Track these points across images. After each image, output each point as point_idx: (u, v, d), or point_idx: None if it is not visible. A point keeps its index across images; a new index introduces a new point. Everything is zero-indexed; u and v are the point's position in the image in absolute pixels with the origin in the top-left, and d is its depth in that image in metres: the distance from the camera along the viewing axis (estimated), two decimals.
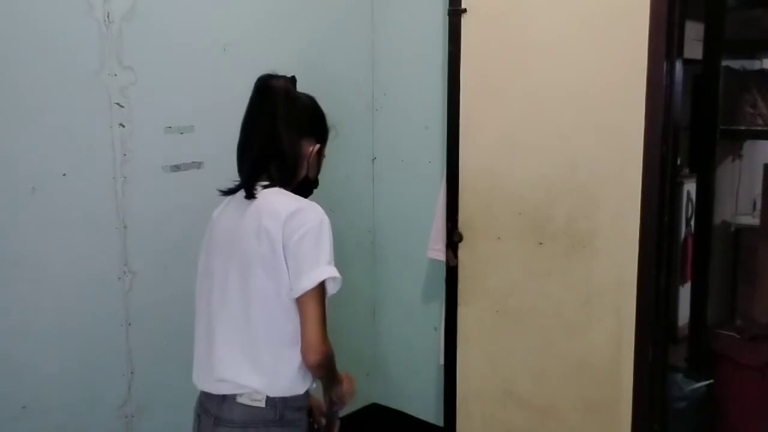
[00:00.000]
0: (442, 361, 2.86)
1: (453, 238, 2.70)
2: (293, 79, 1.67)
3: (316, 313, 1.46)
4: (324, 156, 1.73)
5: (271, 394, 1.49)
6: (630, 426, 2.31)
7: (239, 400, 1.48)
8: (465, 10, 2.59)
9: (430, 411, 3.05)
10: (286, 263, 1.48)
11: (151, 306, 2.32)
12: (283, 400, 1.50)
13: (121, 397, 2.29)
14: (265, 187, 1.57)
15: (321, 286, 1.48)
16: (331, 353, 1.52)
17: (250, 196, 1.54)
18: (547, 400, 2.49)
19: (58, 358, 2.14)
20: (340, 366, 1.65)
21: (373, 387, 3.24)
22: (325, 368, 1.54)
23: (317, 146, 1.66)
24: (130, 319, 2.28)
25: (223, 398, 1.51)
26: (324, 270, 1.47)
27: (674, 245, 2.72)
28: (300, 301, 1.47)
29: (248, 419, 1.48)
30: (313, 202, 1.58)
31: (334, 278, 1.50)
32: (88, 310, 2.18)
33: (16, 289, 2.04)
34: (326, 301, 1.52)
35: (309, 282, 1.45)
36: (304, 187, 1.67)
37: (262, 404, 1.48)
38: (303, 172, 1.65)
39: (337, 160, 2.97)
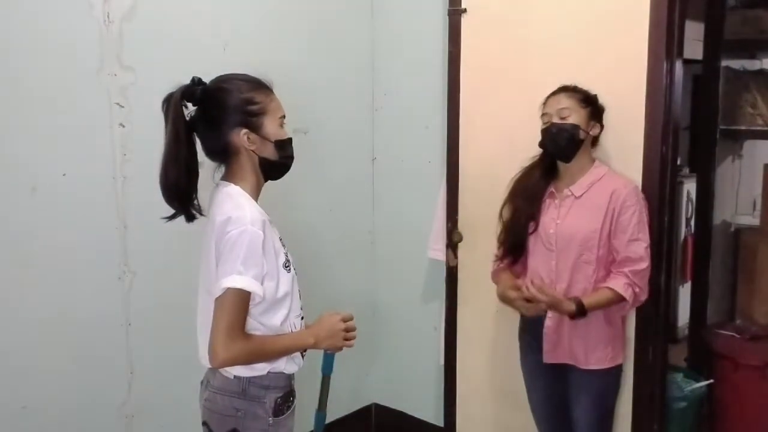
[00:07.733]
0: (442, 361, 2.86)
1: (453, 238, 2.70)
2: (188, 89, 1.59)
3: (218, 321, 1.52)
4: (265, 134, 1.62)
5: (234, 372, 1.63)
6: (630, 426, 2.31)
7: (220, 370, 1.64)
8: (465, 10, 2.60)
9: (430, 411, 3.05)
10: (217, 267, 1.56)
11: (151, 306, 2.32)
12: (247, 377, 1.63)
13: (121, 397, 2.29)
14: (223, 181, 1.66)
15: (232, 294, 1.52)
16: (237, 355, 1.55)
17: (190, 219, 1.63)
18: None
19: (58, 358, 2.14)
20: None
21: (373, 387, 3.24)
22: (233, 364, 1.59)
23: (243, 131, 1.60)
24: (130, 319, 2.28)
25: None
26: (229, 279, 1.51)
27: (674, 245, 2.72)
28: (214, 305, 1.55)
29: (222, 387, 1.64)
30: (252, 210, 1.57)
31: (239, 289, 1.51)
32: (88, 310, 2.18)
33: (16, 288, 2.04)
34: (242, 306, 1.54)
35: (217, 289, 1.53)
36: (270, 171, 1.68)
37: (231, 377, 1.63)
38: (253, 161, 1.64)
39: (337, 160, 2.99)
